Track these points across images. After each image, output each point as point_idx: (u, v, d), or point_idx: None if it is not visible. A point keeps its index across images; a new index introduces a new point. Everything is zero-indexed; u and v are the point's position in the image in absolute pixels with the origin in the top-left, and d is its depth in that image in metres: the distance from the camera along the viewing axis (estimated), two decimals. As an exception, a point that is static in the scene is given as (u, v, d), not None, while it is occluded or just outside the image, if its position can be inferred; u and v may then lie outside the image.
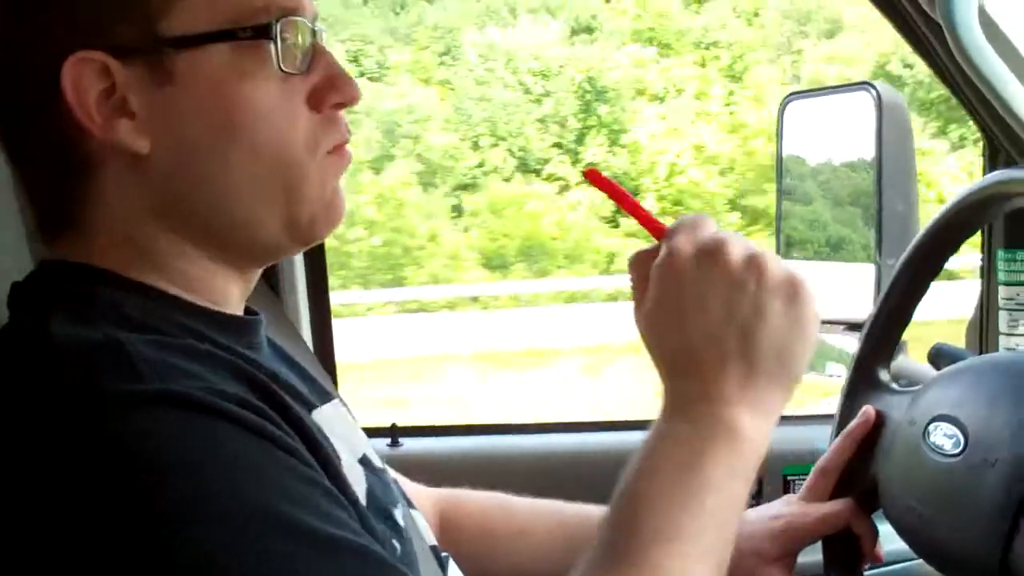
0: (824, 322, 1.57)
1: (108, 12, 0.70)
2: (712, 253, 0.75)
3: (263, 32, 0.72)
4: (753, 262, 0.75)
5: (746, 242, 0.77)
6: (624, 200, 0.81)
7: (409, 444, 1.55)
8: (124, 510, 0.58)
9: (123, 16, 0.70)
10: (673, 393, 0.75)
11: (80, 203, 0.74)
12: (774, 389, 0.75)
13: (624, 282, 0.81)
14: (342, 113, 0.78)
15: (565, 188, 13.79)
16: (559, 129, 14.74)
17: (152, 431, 0.60)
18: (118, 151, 0.72)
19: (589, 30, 15.76)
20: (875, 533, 1.06)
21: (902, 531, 1.04)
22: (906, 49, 1.44)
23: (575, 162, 14.10)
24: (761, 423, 0.74)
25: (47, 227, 0.76)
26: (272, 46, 0.72)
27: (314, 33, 0.76)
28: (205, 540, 0.58)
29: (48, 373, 0.65)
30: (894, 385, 1.12)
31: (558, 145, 14.58)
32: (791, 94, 1.66)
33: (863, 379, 1.14)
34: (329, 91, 0.76)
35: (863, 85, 1.46)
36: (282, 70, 0.73)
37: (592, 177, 0.81)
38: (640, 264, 0.79)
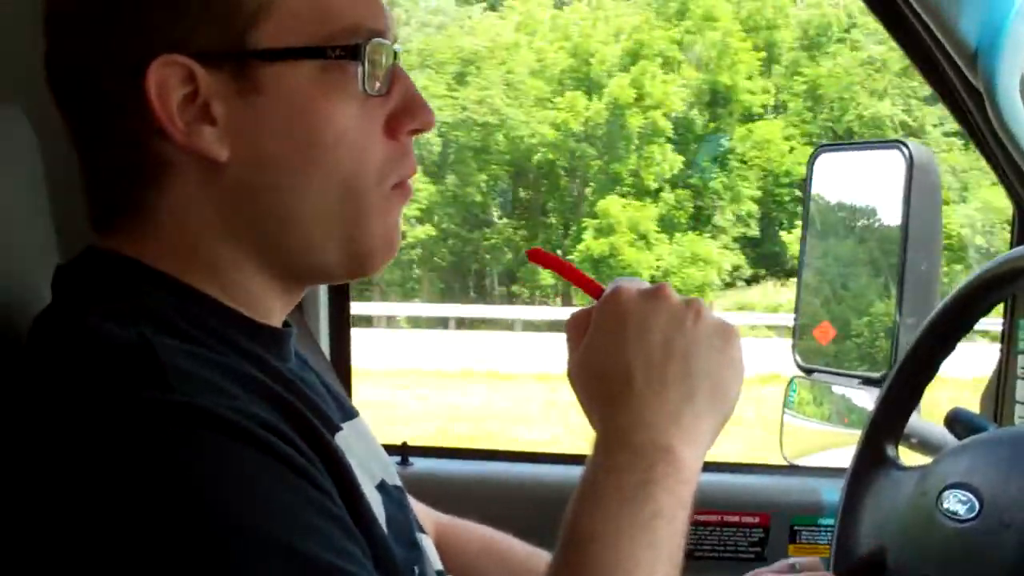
0: (840, 375, 1.59)
1: (198, 18, 0.70)
2: (655, 292, 0.79)
3: (353, 53, 0.72)
4: (691, 304, 0.79)
5: None
6: (564, 269, 0.86)
7: (420, 464, 1.55)
8: (122, 515, 0.58)
9: (213, 23, 0.70)
10: (609, 427, 0.76)
11: (146, 203, 0.74)
12: (708, 420, 0.76)
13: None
14: (412, 146, 0.78)
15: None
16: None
17: (170, 442, 0.60)
18: (195, 157, 0.72)
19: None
20: None
21: None
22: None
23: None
24: (696, 453, 0.75)
25: (104, 219, 0.76)
26: (359, 67, 0.73)
27: (395, 55, 0.76)
28: (196, 555, 0.58)
29: (78, 369, 0.65)
30: (902, 462, 1.14)
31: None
32: (822, 145, 1.67)
33: (872, 455, 1.15)
34: (406, 117, 0.76)
35: (895, 143, 1.47)
36: (365, 92, 0.73)
37: (535, 257, 0.86)
38: (578, 323, 0.81)
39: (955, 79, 1.26)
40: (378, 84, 0.74)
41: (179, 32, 0.70)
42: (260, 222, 0.74)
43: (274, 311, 0.79)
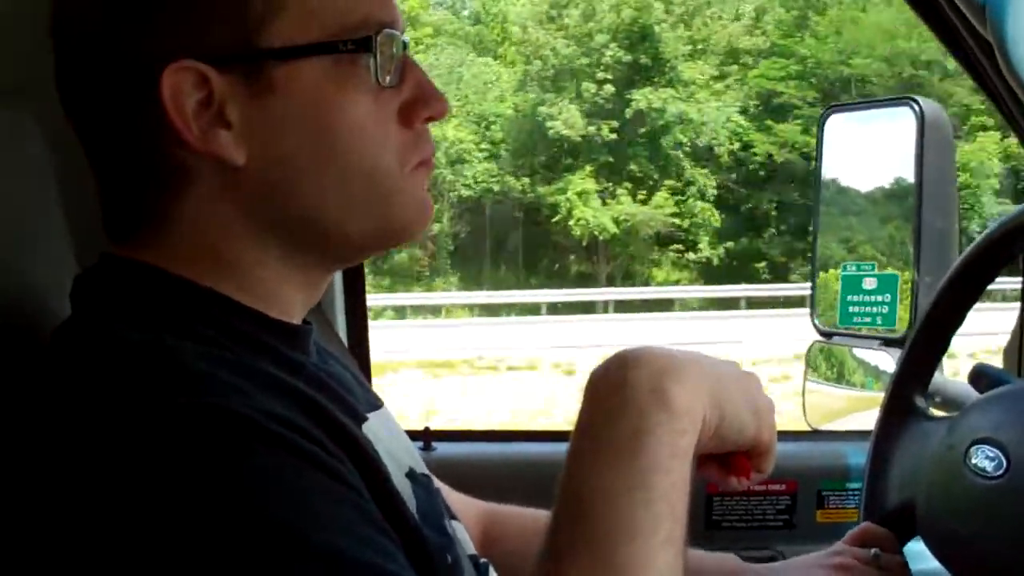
0: (861, 336, 1.58)
1: (208, 22, 0.70)
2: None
3: (364, 45, 0.72)
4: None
5: None
6: None
7: (443, 448, 1.55)
8: (142, 519, 0.58)
9: (223, 25, 0.70)
10: (597, 379, 0.71)
11: (164, 211, 0.73)
12: (698, 368, 0.72)
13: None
14: (428, 131, 0.78)
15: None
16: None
17: (190, 444, 0.60)
18: (212, 162, 0.71)
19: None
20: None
21: (941, 554, 1.04)
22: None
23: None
24: (691, 392, 0.70)
25: (121, 228, 0.76)
26: (371, 60, 0.72)
27: (405, 46, 0.76)
28: (214, 552, 0.57)
29: (105, 379, 0.65)
30: (931, 411, 1.13)
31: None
32: (831, 106, 1.65)
33: (899, 405, 1.14)
34: (420, 106, 0.76)
35: (905, 100, 1.45)
36: (379, 83, 0.73)
37: None
38: None
39: (964, 32, 1.24)
40: (390, 76, 0.74)
41: (190, 36, 0.70)
42: (283, 220, 0.74)
43: (295, 306, 0.79)
